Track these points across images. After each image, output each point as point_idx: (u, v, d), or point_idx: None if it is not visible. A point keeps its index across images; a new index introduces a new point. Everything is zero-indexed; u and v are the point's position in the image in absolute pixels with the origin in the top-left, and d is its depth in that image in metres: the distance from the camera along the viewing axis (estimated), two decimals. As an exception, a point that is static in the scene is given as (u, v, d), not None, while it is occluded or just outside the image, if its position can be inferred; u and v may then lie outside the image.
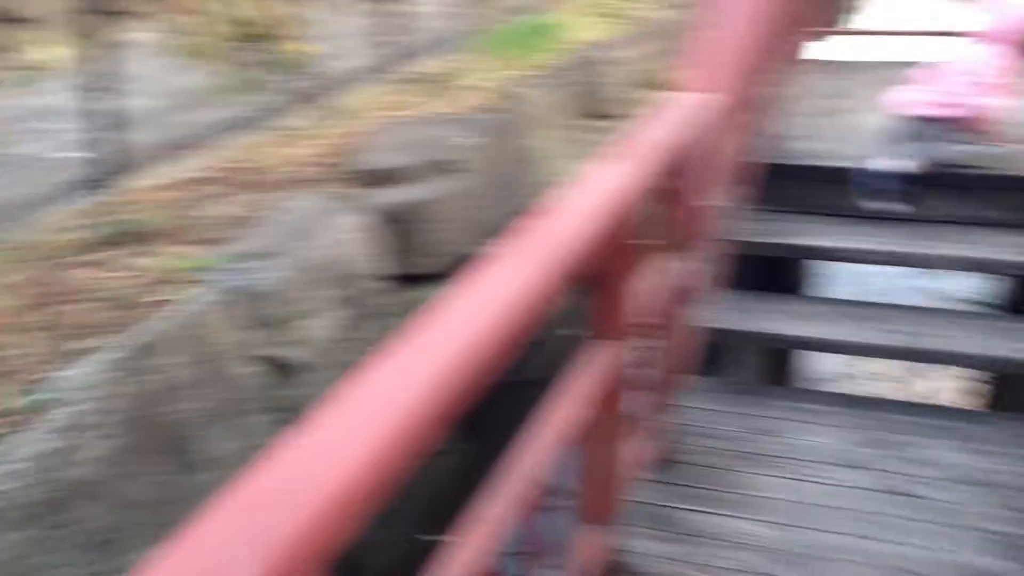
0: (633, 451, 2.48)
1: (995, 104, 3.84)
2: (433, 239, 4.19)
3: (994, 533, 2.54)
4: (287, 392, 3.42)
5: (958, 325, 3.44)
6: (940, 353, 3.32)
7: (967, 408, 4.65)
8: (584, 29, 6.89)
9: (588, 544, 2.15)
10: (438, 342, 1.13)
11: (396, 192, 4.25)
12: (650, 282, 2.40)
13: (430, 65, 5.77)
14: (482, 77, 5.47)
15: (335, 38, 5.36)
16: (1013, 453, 2.88)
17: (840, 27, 6.67)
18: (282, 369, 3.38)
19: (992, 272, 4.09)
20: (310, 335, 3.54)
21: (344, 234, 3.87)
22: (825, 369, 5.10)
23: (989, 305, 5.39)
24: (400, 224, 4.14)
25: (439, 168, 4.41)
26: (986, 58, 3.74)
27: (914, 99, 3.85)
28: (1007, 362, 3.22)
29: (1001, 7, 3.84)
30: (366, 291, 3.94)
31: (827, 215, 3.86)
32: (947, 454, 2.89)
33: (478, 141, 4.68)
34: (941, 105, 3.76)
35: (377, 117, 4.95)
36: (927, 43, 4.15)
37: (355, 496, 0.90)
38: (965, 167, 3.69)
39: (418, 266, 4.19)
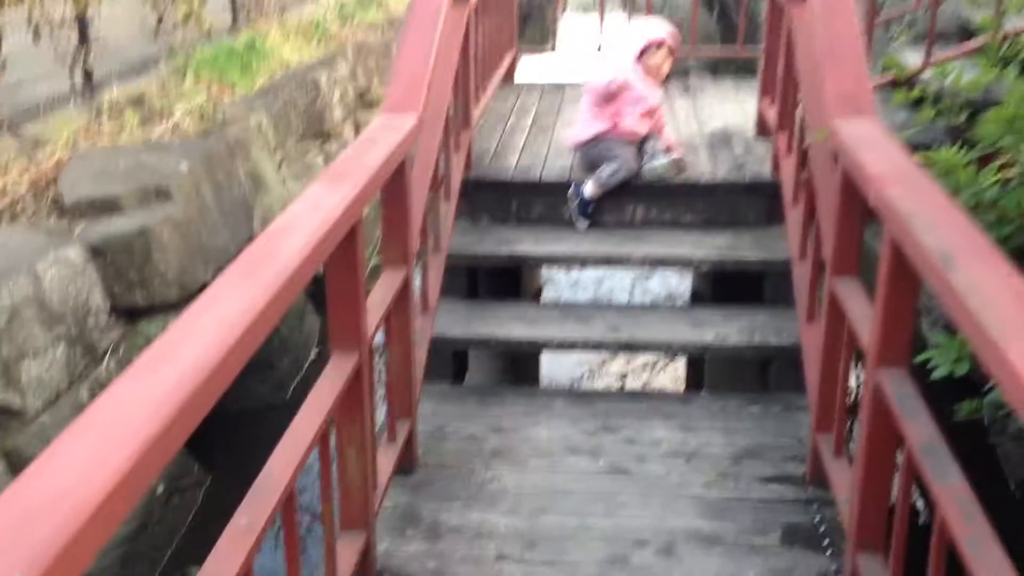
0: (380, 457, 2.57)
1: (659, 117, 4.32)
2: (158, 269, 4.06)
3: (702, 498, 2.86)
4: (12, 438, 3.21)
5: (663, 318, 3.81)
6: (651, 343, 3.66)
7: (676, 392, 5.12)
8: (293, 50, 6.89)
9: (344, 550, 2.22)
10: (168, 366, 1.18)
11: (110, 223, 4.08)
12: (381, 295, 2.51)
13: (135, 89, 5.56)
14: (192, 100, 5.34)
15: (25, 62, 5.03)
16: (710, 426, 3.24)
17: (548, 48, 7.11)
18: (4, 414, 3.17)
19: (688, 267, 4.55)
20: (33, 376, 3.34)
21: (60, 269, 3.67)
22: (569, 371, 5.43)
23: (694, 298, 5.97)
24: (119, 255, 3.98)
25: (154, 196, 4.28)
26: (641, 75, 4.21)
27: (588, 122, 4.22)
28: (701, 346, 3.62)
29: (642, 27, 4.36)
30: (91, 327, 3.76)
31: (543, 224, 4.15)
32: (660, 433, 3.20)
33: (194, 166, 4.59)
34: (620, 130, 4.15)
35: (82, 145, 4.71)
36: (617, 62, 4.56)
37: (104, 510, 0.96)
38: (661, 177, 4.10)
39: (145, 297, 4.05)
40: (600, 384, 5.34)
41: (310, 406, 1.92)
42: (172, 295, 4.12)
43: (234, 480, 1.73)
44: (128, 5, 5.80)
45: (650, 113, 4.25)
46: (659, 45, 4.21)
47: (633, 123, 4.18)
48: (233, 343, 1.22)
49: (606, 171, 4.03)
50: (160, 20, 5.81)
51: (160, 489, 3.89)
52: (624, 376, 5.45)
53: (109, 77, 5.65)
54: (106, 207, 4.15)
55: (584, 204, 4.04)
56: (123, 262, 4.00)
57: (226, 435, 4.58)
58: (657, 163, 4.06)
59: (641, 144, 4.19)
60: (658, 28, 4.31)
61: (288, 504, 1.72)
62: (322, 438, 1.93)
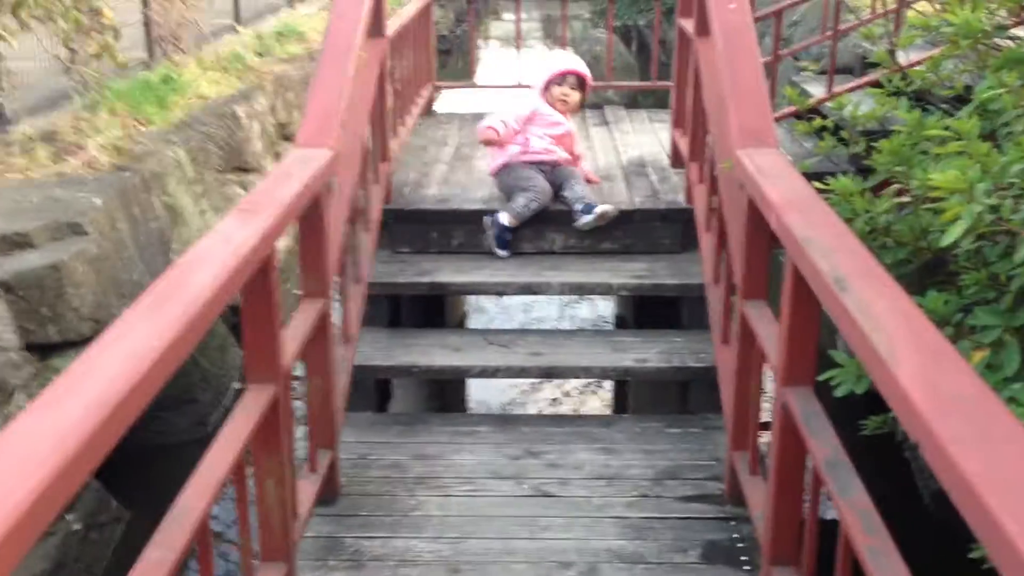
0: (301, 488, 2.56)
1: (572, 145, 4.42)
2: (71, 304, 3.98)
3: (624, 518, 2.91)
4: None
5: (585, 343, 3.86)
6: (572, 368, 3.69)
7: (599, 414, 5.18)
8: (211, 84, 6.84)
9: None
10: (73, 400, 1.17)
11: (22, 259, 4.00)
12: (299, 326, 2.51)
13: (47, 124, 5.46)
14: (107, 134, 5.26)
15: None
16: (632, 448, 3.30)
17: (467, 81, 7.20)
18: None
19: (607, 294, 4.63)
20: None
21: (-34, 307, 3.58)
22: (500, 395, 5.46)
23: (618, 322, 6.06)
24: (31, 291, 3.89)
25: (67, 230, 4.21)
26: (546, 106, 4.32)
27: (499, 149, 4.30)
28: (621, 370, 3.68)
29: (548, 59, 4.49)
30: (1, 364, 3.67)
31: (463, 253, 4.18)
32: (583, 456, 3.25)
33: (108, 200, 4.52)
34: (530, 153, 4.24)
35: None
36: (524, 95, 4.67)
37: (6, 545, 0.96)
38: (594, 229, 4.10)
39: (58, 333, 3.97)
40: (532, 407, 5.38)
41: (224, 438, 1.91)
42: (86, 330, 4.04)
43: (154, 515, 1.71)
44: (40, 39, 5.70)
45: (562, 139, 4.34)
46: (563, 77, 4.32)
47: (545, 144, 4.27)
48: (140, 377, 1.21)
49: (520, 201, 4.09)
50: (73, 54, 5.72)
51: (77, 526, 3.80)
52: (556, 399, 5.51)
53: (20, 112, 5.54)
54: (17, 243, 4.06)
55: (502, 233, 4.09)
56: (35, 298, 3.91)
57: (145, 470, 4.48)
58: (586, 219, 4.05)
59: (560, 182, 4.19)
60: (563, 60, 4.43)
61: (202, 537, 1.70)
62: (237, 470, 1.92)
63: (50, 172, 4.81)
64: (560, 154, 4.30)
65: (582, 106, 4.53)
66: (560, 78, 4.33)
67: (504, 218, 4.08)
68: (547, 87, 4.34)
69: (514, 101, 4.40)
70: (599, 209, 4.06)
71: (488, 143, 4.36)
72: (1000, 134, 2.47)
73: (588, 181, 4.36)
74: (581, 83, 4.37)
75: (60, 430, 1.08)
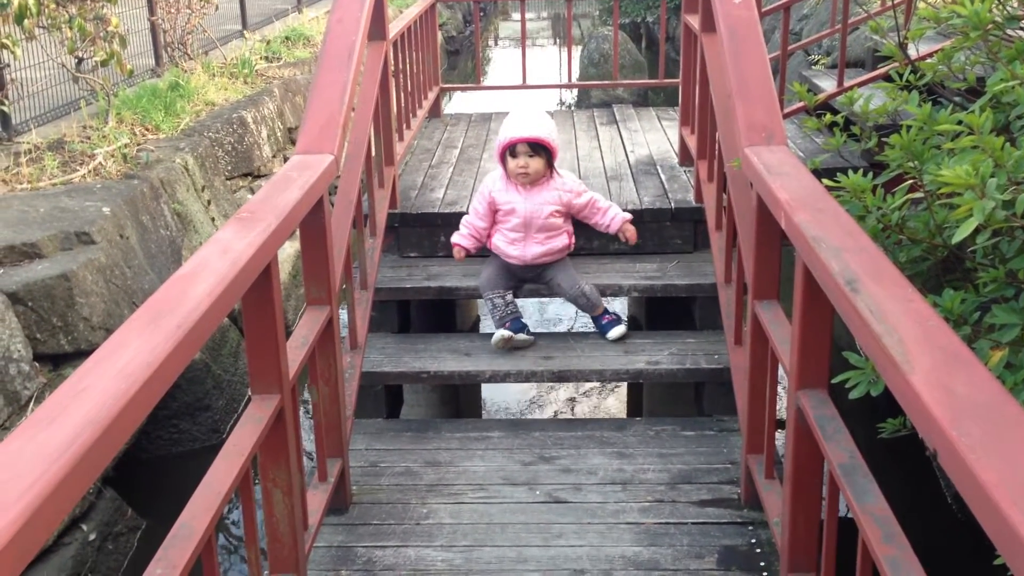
0: (311, 497, 2.53)
1: (545, 212, 3.70)
2: (81, 313, 3.98)
3: (639, 524, 2.86)
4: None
5: (596, 345, 3.77)
6: (583, 371, 3.62)
7: (612, 418, 5.14)
8: (218, 90, 6.84)
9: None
10: (61, 422, 1.15)
11: (31, 269, 4.00)
12: (304, 334, 2.48)
13: (55, 132, 5.46)
14: (114, 142, 5.26)
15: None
16: (646, 452, 3.26)
17: (473, 83, 7.15)
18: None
19: (617, 295, 4.56)
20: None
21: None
22: (516, 397, 5.42)
23: (629, 323, 6.01)
24: (41, 301, 3.89)
25: (76, 240, 4.20)
26: (505, 182, 3.70)
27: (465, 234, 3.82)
28: (634, 372, 3.62)
29: (509, 120, 3.64)
30: (13, 375, 3.66)
31: (471, 257, 4.11)
32: (597, 460, 3.21)
33: (116, 208, 4.51)
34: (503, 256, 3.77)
35: (0, 191, 4.61)
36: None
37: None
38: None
39: (70, 343, 3.96)
40: (550, 409, 5.35)
41: (229, 451, 1.89)
42: (98, 339, 4.04)
43: (169, 524, 1.69)
44: (46, 48, 5.71)
45: (529, 223, 3.67)
46: (512, 147, 3.58)
47: (505, 244, 3.73)
48: (132, 395, 1.19)
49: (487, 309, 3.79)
50: (79, 62, 5.72)
51: (93, 536, 3.79)
52: (573, 399, 5.47)
53: (28, 121, 5.55)
54: (26, 253, 4.07)
55: (502, 319, 3.74)
56: (45, 308, 3.91)
57: (160, 479, 4.48)
58: (621, 330, 3.75)
59: (552, 288, 3.80)
60: (510, 127, 3.58)
61: (208, 553, 1.68)
62: (243, 482, 1.89)
63: (58, 181, 4.81)
64: (525, 253, 3.72)
65: (551, 168, 3.67)
66: (510, 149, 3.58)
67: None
68: (503, 161, 3.64)
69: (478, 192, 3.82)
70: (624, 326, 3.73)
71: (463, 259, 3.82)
72: (1015, 127, 2.42)
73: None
74: (538, 145, 3.56)
75: (49, 451, 1.05)
